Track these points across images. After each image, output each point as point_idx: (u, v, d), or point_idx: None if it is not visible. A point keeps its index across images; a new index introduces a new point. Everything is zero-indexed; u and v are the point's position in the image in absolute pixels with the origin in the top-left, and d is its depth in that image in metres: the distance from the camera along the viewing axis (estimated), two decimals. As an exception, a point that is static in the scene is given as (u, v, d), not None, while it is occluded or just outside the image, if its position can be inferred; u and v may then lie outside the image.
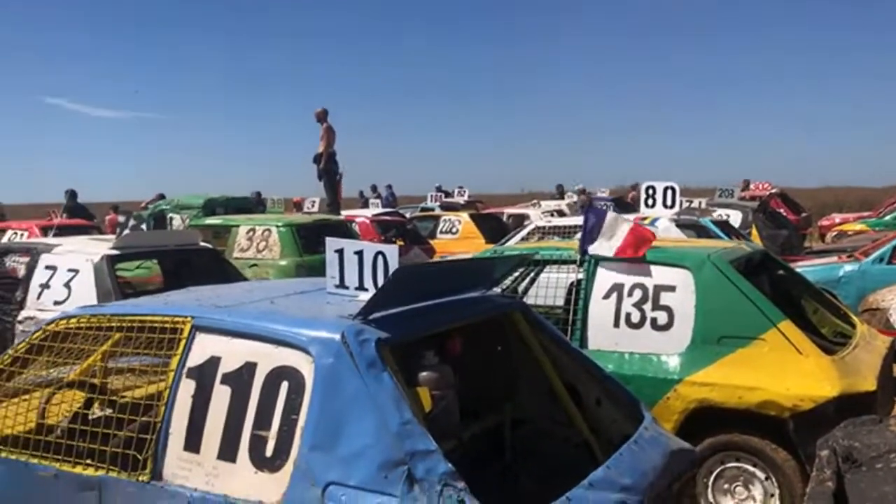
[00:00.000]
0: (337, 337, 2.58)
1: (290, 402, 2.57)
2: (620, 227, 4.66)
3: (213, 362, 2.75)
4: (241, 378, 2.68)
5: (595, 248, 4.53)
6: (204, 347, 2.79)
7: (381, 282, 2.91)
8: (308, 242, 9.49)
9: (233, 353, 2.73)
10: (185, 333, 2.84)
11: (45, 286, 6.42)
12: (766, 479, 4.08)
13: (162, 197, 14.80)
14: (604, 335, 4.43)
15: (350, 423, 2.45)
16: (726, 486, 4.19)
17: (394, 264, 2.94)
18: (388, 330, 2.69)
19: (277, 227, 9.49)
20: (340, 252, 3.11)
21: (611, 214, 4.89)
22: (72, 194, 13.50)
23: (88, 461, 2.83)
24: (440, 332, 3.05)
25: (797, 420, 3.87)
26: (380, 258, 3.02)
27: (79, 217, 12.63)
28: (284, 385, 2.60)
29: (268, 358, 2.66)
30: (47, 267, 6.52)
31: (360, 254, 3.08)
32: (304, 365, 2.59)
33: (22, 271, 7.54)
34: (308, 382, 2.56)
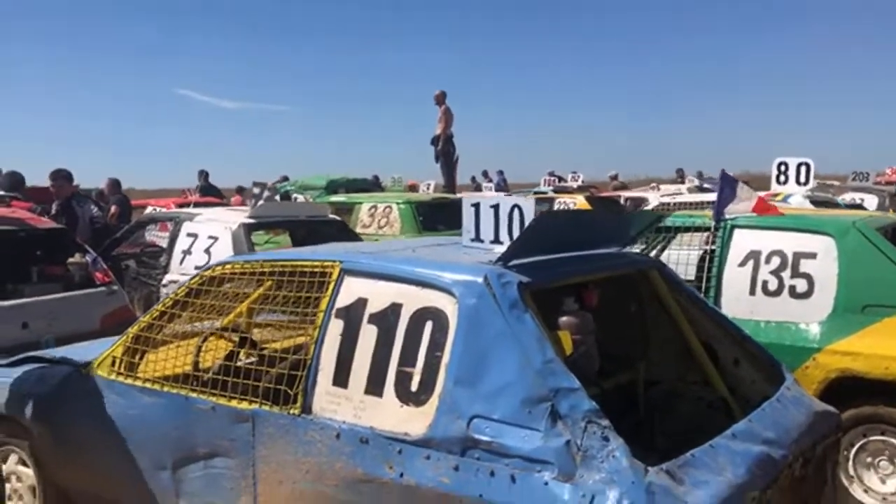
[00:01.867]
0: (480, 279, 2.65)
1: (434, 340, 2.66)
2: (753, 194, 4.58)
3: (361, 303, 2.87)
4: (387, 318, 2.79)
5: (730, 211, 4.43)
6: (352, 289, 2.92)
7: (516, 234, 2.95)
8: (427, 220, 9.68)
9: (379, 294, 2.84)
10: (335, 276, 2.97)
11: (187, 252, 6.83)
12: (913, 453, 3.89)
13: (286, 179, 15.37)
14: (739, 303, 4.32)
15: (493, 361, 2.51)
16: (869, 459, 4.03)
17: (530, 217, 2.98)
18: (529, 275, 2.73)
19: (398, 204, 9.72)
20: (476, 206, 3.17)
21: (742, 183, 4.78)
22: (205, 175, 14.25)
23: (242, 396, 3.02)
24: (577, 282, 3.07)
25: (948, 392, 3.67)
26: (515, 211, 3.06)
27: (211, 196, 13.31)
28: (429, 324, 2.69)
29: (413, 299, 2.76)
30: (188, 234, 6.94)
31: (496, 208, 3.13)
32: (448, 306, 2.67)
33: (161, 242, 8.08)
34: (452, 322, 2.63)
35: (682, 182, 17.89)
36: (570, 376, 2.41)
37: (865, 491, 4.05)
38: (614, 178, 19.46)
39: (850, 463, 4.05)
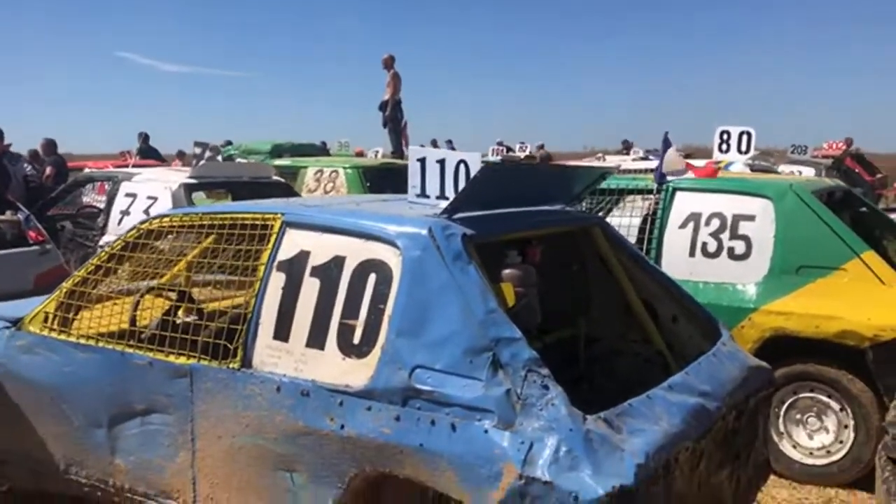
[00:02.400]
0: (424, 231, 2.63)
1: (377, 292, 2.63)
2: (680, 160, 4.69)
3: (303, 256, 2.82)
4: (329, 271, 2.75)
5: (668, 173, 4.50)
6: (294, 242, 2.87)
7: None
8: (374, 185, 9.56)
9: (322, 247, 2.80)
10: (276, 229, 2.92)
11: (126, 213, 6.65)
12: (841, 409, 4.04)
13: (229, 143, 15.04)
14: (679, 264, 4.39)
15: (436, 312, 2.50)
16: (798, 416, 4.17)
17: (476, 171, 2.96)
18: (473, 227, 2.73)
19: (345, 168, 9.59)
20: (422, 161, 3.14)
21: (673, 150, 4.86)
22: (144, 137, 13.84)
23: (181, 351, 2.96)
24: (521, 237, 3.08)
25: (877, 350, 3.81)
26: (461, 167, 3.04)
27: (151, 159, 12.95)
28: (372, 277, 2.67)
29: (356, 252, 2.73)
30: (127, 194, 6.76)
31: (442, 163, 3.10)
32: (392, 258, 2.65)
33: (99, 206, 7.85)
34: (396, 274, 2.61)
35: (628, 153, 18.09)
36: (511, 326, 2.42)
37: (794, 446, 4.20)
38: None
39: (781, 419, 4.19)
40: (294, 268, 2.83)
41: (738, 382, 2.97)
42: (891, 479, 1.70)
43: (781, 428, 4.20)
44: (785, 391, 4.14)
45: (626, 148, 19.80)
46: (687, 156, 5.10)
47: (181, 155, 15.96)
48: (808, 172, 12.20)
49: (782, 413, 4.19)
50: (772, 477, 3.69)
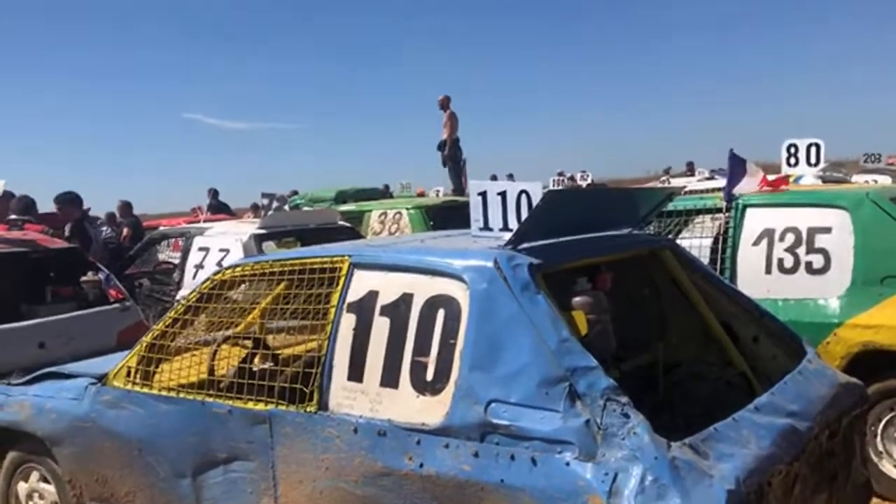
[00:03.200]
0: (490, 264, 2.62)
1: (447, 327, 2.63)
2: (759, 171, 4.57)
3: (372, 296, 2.84)
4: (398, 309, 2.76)
5: (739, 189, 4.39)
6: (362, 283, 2.90)
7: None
8: (437, 224, 9.61)
9: (389, 285, 2.82)
10: (344, 271, 2.95)
11: (200, 266, 6.84)
12: (943, 425, 3.82)
13: (296, 193, 15.37)
14: (755, 283, 4.27)
15: (508, 344, 2.48)
16: (897, 434, 3.96)
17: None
18: (539, 257, 2.70)
19: (408, 209, 9.68)
20: (483, 194, 3.14)
21: (750, 162, 4.75)
22: (214, 193, 14.29)
23: (259, 397, 3.00)
24: (589, 263, 3.04)
25: (974, 360, 3.60)
26: (523, 197, 3.03)
27: (222, 213, 13.34)
28: (441, 312, 2.66)
29: (423, 288, 2.73)
30: (200, 249, 6.96)
31: (503, 195, 3.10)
32: (459, 292, 2.64)
33: (174, 262, 8.09)
34: (464, 308, 2.60)
35: (692, 175, 17.78)
36: (586, 355, 2.38)
37: (895, 466, 3.98)
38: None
39: (879, 438, 3.98)
40: (364, 308, 2.85)
41: (828, 400, 2.84)
42: None
43: (880, 447, 4.00)
44: (881, 408, 3.95)
45: (691, 170, 19.47)
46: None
47: (255, 208, 16.37)
48: (884, 181, 11.80)
49: (880, 431, 3.99)
50: (875, 499, 3.50)
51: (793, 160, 7.43)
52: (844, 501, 2.90)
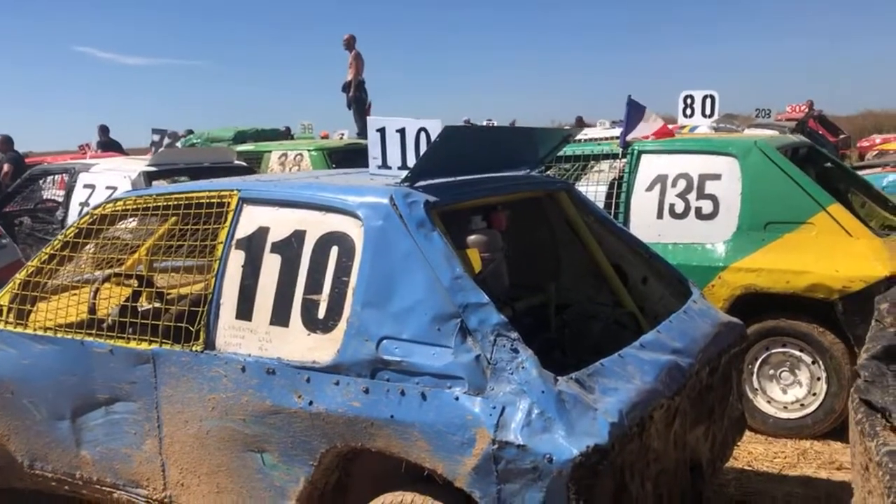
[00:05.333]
0: (385, 200, 2.56)
1: (340, 265, 2.57)
2: (657, 119, 4.66)
3: (262, 232, 2.75)
4: (290, 246, 2.68)
5: (633, 135, 4.47)
6: (252, 218, 2.79)
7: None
8: (340, 167, 9.45)
9: (281, 222, 2.73)
10: (233, 206, 2.84)
11: (85, 204, 6.47)
12: (813, 362, 4.06)
13: (191, 132, 14.78)
14: (647, 227, 4.37)
15: (401, 281, 2.44)
16: (772, 371, 4.19)
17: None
18: (435, 195, 2.67)
19: (309, 151, 9.44)
20: (382, 131, 3.06)
21: (650, 111, 4.83)
22: (104, 130, 13.57)
23: (142, 336, 2.88)
24: (486, 203, 3.02)
25: (846, 301, 3.83)
26: (422, 135, 2.97)
27: (112, 151, 12.70)
28: (334, 250, 2.60)
29: (316, 225, 2.66)
30: (86, 186, 6.58)
31: (402, 132, 3.03)
32: (354, 229, 2.58)
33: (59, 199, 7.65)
34: (358, 246, 2.55)
35: (583, 127, 18.02)
36: (479, 292, 2.37)
37: (768, 401, 4.22)
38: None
39: (755, 375, 4.20)
40: (253, 245, 2.75)
41: (710, 339, 2.95)
42: (864, 420, 1.68)
43: (755, 384, 4.22)
44: (758, 347, 4.16)
45: (581, 123, 19.64)
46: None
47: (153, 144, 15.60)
48: (773, 135, 12.29)
49: (756, 369, 4.21)
50: (747, 432, 3.70)
51: (689, 111, 7.63)
52: (720, 434, 3.04)
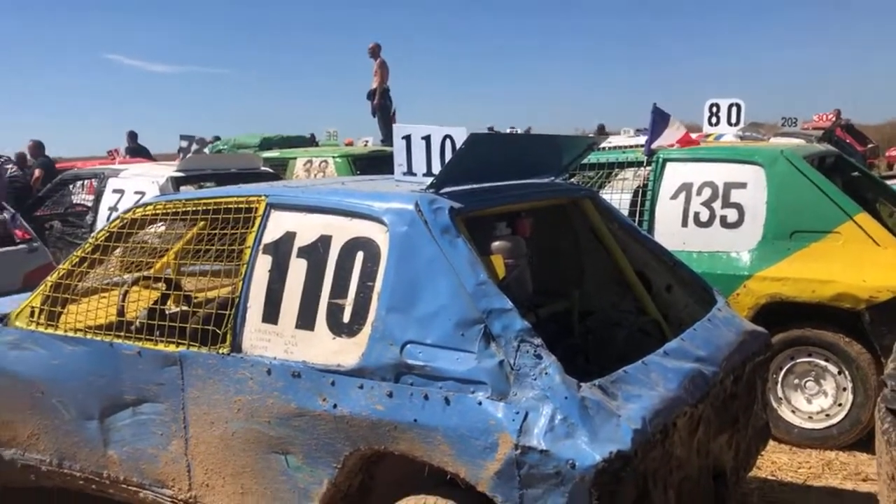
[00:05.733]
0: (411, 206, 2.59)
1: (365, 270, 2.60)
2: (680, 127, 4.66)
3: (289, 237, 2.78)
4: (316, 251, 2.71)
5: (659, 143, 4.47)
6: (279, 224, 2.83)
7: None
8: (364, 173, 9.51)
9: (307, 227, 2.76)
10: (261, 211, 2.88)
11: (114, 209, 6.58)
12: (839, 373, 4.02)
13: (217, 138, 14.94)
14: (671, 235, 4.36)
15: (426, 287, 2.46)
16: (797, 381, 4.15)
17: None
18: (460, 201, 2.69)
19: (334, 157, 9.51)
20: (407, 138, 3.09)
21: (674, 119, 4.82)
22: (132, 136, 13.76)
23: (170, 339, 2.92)
24: (510, 209, 3.04)
25: (873, 312, 3.79)
26: (447, 142, 2.99)
27: (140, 157, 12.86)
28: (360, 255, 2.63)
29: (342, 230, 2.69)
30: (115, 191, 6.70)
31: (427, 139, 3.05)
32: (379, 235, 2.61)
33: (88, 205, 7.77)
34: (383, 251, 2.58)
35: (605, 135, 17.97)
36: (502, 297, 2.38)
37: (793, 411, 4.19)
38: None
39: (779, 385, 4.17)
40: (280, 250, 2.79)
41: (734, 347, 2.94)
42: (891, 430, 1.67)
43: (780, 393, 4.19)
44: (783, 356, 4.13)
45: (602, 131, 19.58)
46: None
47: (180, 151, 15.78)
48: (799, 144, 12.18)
49: (780, 378, 4.17)
50: (771, 442, 3.68)
51: (714, 119, 7.60)
52: (744, 442, 3.02)
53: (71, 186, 7.94)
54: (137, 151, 13.34)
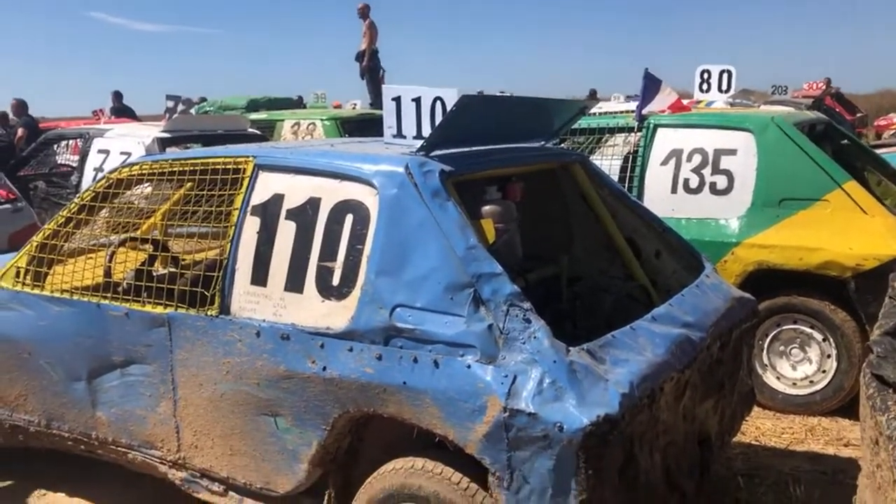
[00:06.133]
0: (401, 169, 2.57)
1: (355, 233, 2.58)
2: (671, 93, 4.63)
3: (277, 199, 2.76)
4: (305, 213, 2.69)
5: (650, 108, 4.45)
6: (267, 185, 2.81)
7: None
8: (352, 136, 9.44)
9: (296, 189, 2.74)
10: (249, 172, 2.85)
11: (99, 170, 6.51)
12: (824, 340, 4.06)
13: (204, 100, 14.76)
14: (661, 201, 4.36)
15: (416, 250, 2.45)
16: (782, 348, 4.19)
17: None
18: (451, 164, 2.67)
19: (322, 120, 9.43)
20: (397, 100, 3.05)
21: (666, 84, 4.79)
22: (118, 96, 13.58)
23: (157, 300, 2.91)
24: (501, 173, 3.02)
25: (859, 279, 3.82)
26: (438, 104, 2.96)
27: (125, 117, 12.70)
28: (349, 217, 2.61)
29: (332, 192, 2.66)
30: (100, 151, 6.62)
31: (417, 101, 3.02)
32: (369, 197, 2.59)
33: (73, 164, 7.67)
34: (373, 214, 2.56)
35: (596, 101, 17.89)
36: (492, 262, 2.38)
37: (778, 378, 4.23)
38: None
39: (765, 352, 4.21)
40: (269, 211, 2.77)
41: (721, 313, 2.96)
42: (875, 395, 1.69)
43: (765, 360, 4.23)
44: (769, 323, 4.16)
45: (593, 96, 19.49)
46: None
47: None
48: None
49: (766, 345, 4.21)
50: (756, 408, 3.72)
51: (705, 86, 7.57)
52: (729, 408, 3.06)
53: (55, 146, 7.85)
54: (122, 112, 13.17)
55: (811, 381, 4.15)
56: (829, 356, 4.06)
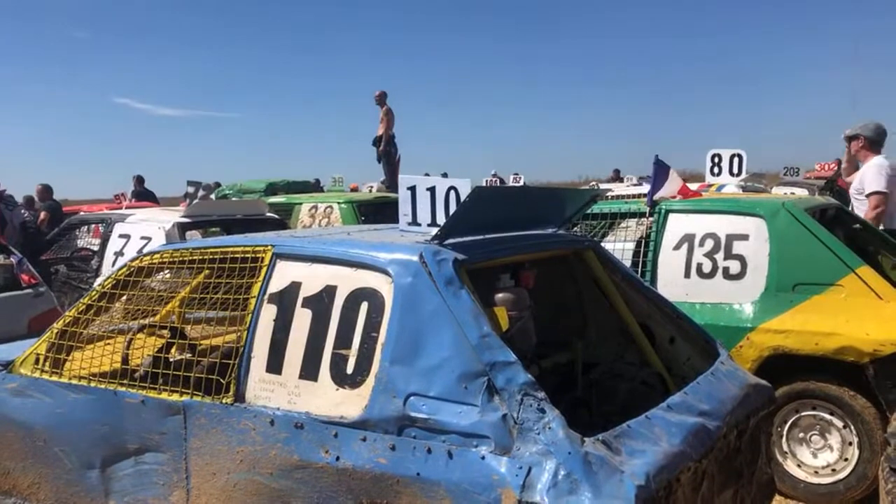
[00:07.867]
0: (415, 258, 2.61)
1: (369, 321, 2.61)
2: (676, 179, 4.73)
3: (294, 287, 2.80)
4: (321, 301, 2.73)
5: (660, 194, 4.52)
6: (284, 274, 2.85)
7: (454, 216, 2.92)
8: (369, 220, 9.57)
9: (313, 277, 2.78)
10: (267, 261, 2.90)
11: (120, 254, 6.63)
12: (844, 426, 3.99)
13: (218, 185, 15.08)
14: (674, 286, 4.38)
15: (429, 339, 2.47)
16: (801, 434, 4.12)
17: None
18: (464, 252, 2.71)
19: (339, 203, 9.60)
20: (413, 189, 3.14)
21: (672, 171, 4.89)
22: (139, 180, 13.91)
23: (174, 388, 2.93)
24: (514, 261, 3.06)
25: (877, 365, 3.78)
26: (452, 193, 3.04)
27: (146, 201, 12.98)
28: (364, 305, 2.64)
29: (347, 280, 2.71)
30: (121, 235, 6.75)
31: (432, 190, 3.10)
32: (384, 285, 2.63)
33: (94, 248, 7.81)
34: (387, 302, 2.59)
35: (620, 181, 18.16)
36: (506, 350, 2.39)
37: (798, 465, 4.15)
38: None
39: (784, 438, 4.14)
40: (285, 299, 2.81)
41: (738, 401, 2.93)
42: (895, 489, 1.67)
43: (785, 447, 4.15)
44: (787, 410, 4.10)
45: (618, 177, 19.87)
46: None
47: (186, 196, 15.89)
48: (801, 194, 12.26)
49: (785, 432, 4.15)
50: (777, 497, 3.64)
51: (716, 169, 7.67)
52: (749, 498, 3.00)
53: (77, 231, 8.01)
54: (144, 195, 13.49)
55: (833, 470, 4.07)
56: (850, 444, 3.99)
